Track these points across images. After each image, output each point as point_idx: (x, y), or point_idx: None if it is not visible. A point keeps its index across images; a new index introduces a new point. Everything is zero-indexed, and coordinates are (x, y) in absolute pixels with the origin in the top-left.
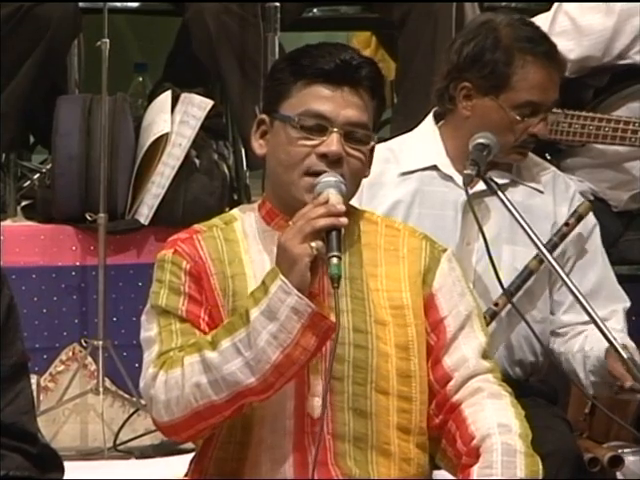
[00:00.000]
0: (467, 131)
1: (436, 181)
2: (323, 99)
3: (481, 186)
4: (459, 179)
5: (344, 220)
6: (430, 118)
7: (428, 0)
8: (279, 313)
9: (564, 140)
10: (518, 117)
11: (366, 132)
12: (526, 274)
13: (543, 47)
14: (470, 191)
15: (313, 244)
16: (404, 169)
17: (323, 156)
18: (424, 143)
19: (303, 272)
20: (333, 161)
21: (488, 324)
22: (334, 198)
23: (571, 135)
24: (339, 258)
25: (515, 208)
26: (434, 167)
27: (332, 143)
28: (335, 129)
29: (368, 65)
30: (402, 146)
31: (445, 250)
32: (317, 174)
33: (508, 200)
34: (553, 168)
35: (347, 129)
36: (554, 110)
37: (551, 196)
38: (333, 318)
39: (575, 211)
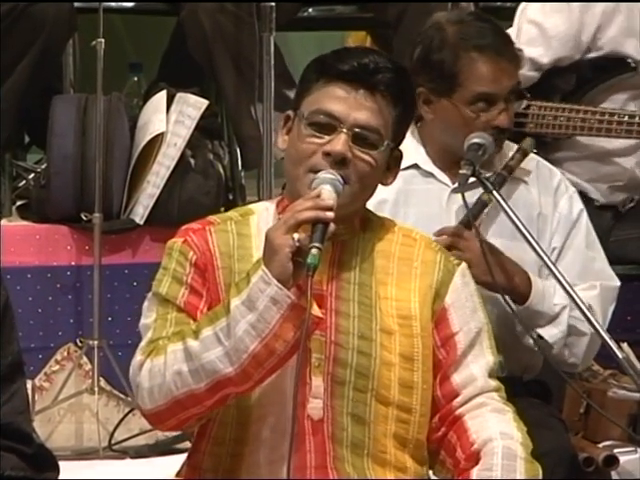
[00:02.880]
0: (436, 133)
1: (418, 179)
2: (336, 99)
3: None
4: (440, 175)
5: (330, 214)
6: None
7: (423, 0)
8: (258, 303)
9: (550, 133)
10: (472, 113)
11: (376, 136)
12: (480, 206)
13: (488, 39)
14: (453, 186)
15: (295, 235)
16: None
17: (327, 155)
18: (404, 144)
19: (284, 263)
20: (337, 161)
21: None
22: (326, 193)
23: (557, 128)
24: (319, 249)
25: (509, 206)
26: (415, 166)
27: (338, 143)
28: (344, 129)
29: (389, 71)
30: None
31: (460, 263)
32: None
33: (503, 199)
34: (537, 157)
35: (356, 131)
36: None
37: (535, 186)
38: (332, 320)
39: (519, 148)
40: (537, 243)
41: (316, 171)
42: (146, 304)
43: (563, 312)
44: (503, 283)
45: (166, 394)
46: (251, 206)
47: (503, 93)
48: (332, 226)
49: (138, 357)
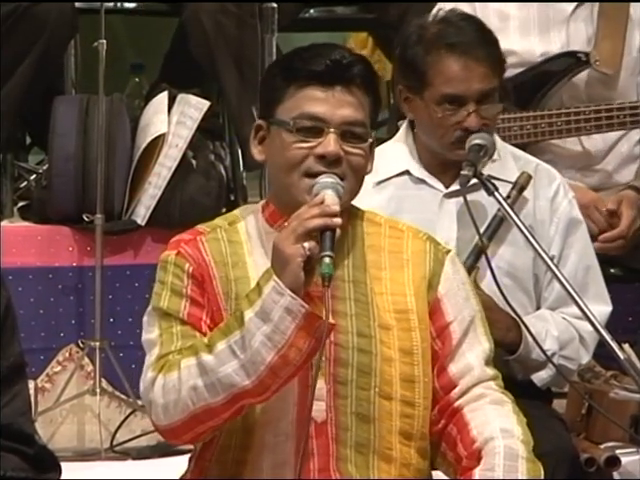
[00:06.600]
0: (419, 133)
1: (410, 185)
2: (317, 101)
3: (456, 186)
4: (432, 181)
5: (338, 220)
6: (406, 124)
7: (425, 0)
8: (272, 314)
9: (519, 143)
10: (440, 113)
11: (363, 129)
12: (476, 252)
13: (460, 38)
14: (445, 191)
15: (306, 244)
16: (379, 178)
17: (321, 157)
18: (398, 150)
19: (296, 272)
20: (331, 161)
21: None
22: (329, 199)
23: (525, 137)
24: (331, 257)
25: (512, 208)
26: (406, 172)
27: (329, 144)
28: (332, 129)
29: (359, 63)
30: (379, 155)
31: (449, 251)
32: (316, 175)
33: (505, 200)
34: (537, 161)
35: (343, 128)
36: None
37: (531, 190)
38: (335, 321)
39: (516, 182)
40: (544, 250)
41: (311, 174)
42: (146, 319)
43: (552, 358)
44: (497, 339)
45: (182, 410)
46: (235, 213)
47: (472, 95)
48: (338, 232)
49: (149, 374)
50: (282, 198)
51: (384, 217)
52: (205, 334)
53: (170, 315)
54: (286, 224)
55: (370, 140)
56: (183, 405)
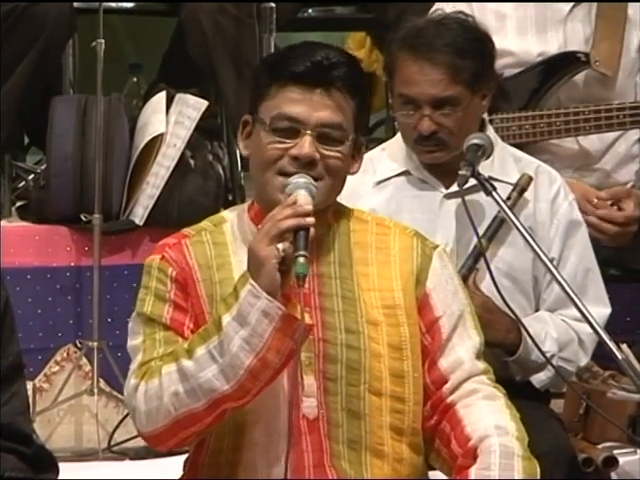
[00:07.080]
0: None
1: (410, 186)
2: (295, 102)
3: (456, 186)
4: (432, 181)
5: (310, 220)
6: None
7: (424, 0)
8: (250, 317)
9: (518, 143)
10: (399, 114)
11: (341, 132)
12: (475, 254)
13: (422, 40)
14: (445, 191)
15: (280, 245)
16: (379, 178)
17: (295, 158)
18: (398, 150)
19: (271, 274)
20: (305, 163)
21: None
22: (302, 199)
23: (524, 137)
24: (305, 257)
25: (510, 209)
26: (407, 172)
27: (304, 146)
28: (307, 131)
29: (343, 65)
30: (379, 155)
31: (436, 247)
32: (290, 174)
33: (503, 200)
34: (538, 162)
35: (320, 131)
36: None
37: (532, 191)
38: (318, 317)
39: (516, 184)
40: (544, 253)
41: (285, 174)
42: (131, 325)
43: (551, 360)
44: (496, 341)
45: (165, 416)
46: (222, 214)
47: (425, 100)
48: (312, 231)
49: (132, 380)
50: (261, 196)
51: (371, 214)
52: (187, 339)
53: (154, 320)
54: (259, 226)
55: (348, 143)
56: (165, 411)
